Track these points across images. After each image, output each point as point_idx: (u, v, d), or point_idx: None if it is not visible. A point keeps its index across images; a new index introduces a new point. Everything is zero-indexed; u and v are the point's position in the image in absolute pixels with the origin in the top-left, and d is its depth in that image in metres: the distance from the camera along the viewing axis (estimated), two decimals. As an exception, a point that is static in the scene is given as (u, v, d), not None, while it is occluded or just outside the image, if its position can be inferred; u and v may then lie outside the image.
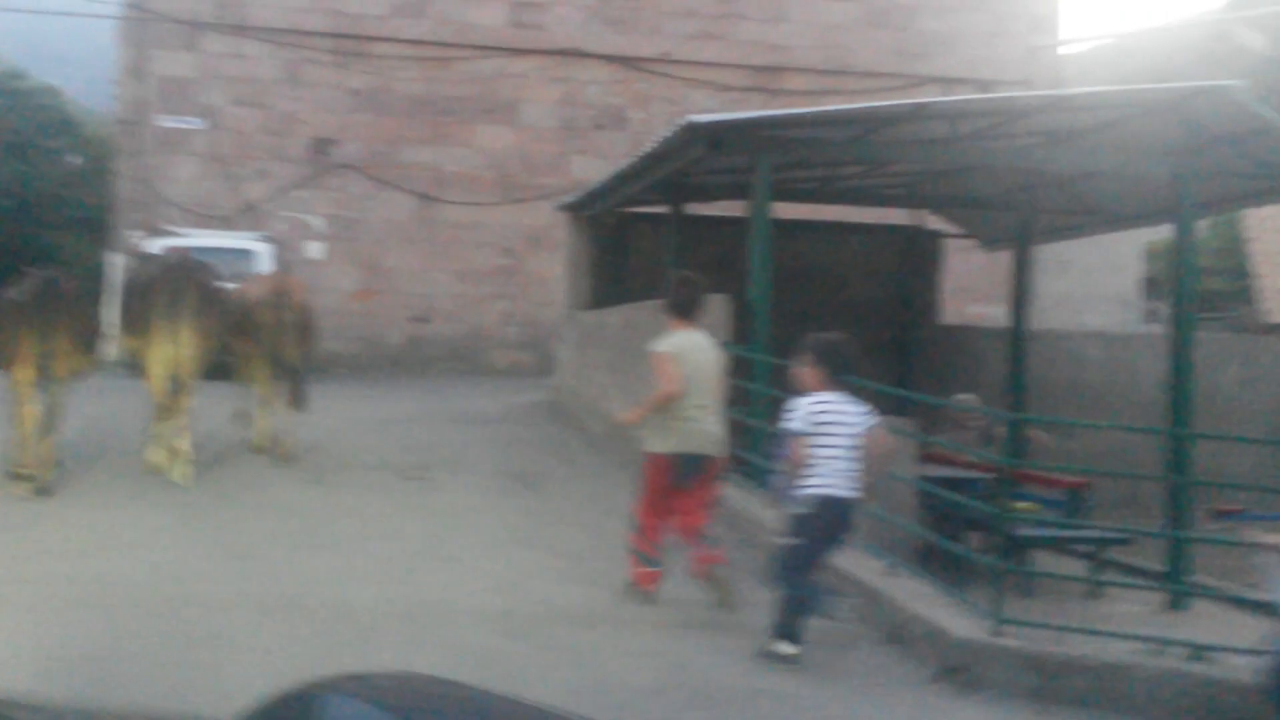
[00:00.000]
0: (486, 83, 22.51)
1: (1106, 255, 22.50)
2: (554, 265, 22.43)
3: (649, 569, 7.09)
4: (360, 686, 2.51)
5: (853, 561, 7.53)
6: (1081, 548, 10.62)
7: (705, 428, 7.06)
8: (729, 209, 14.55)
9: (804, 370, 6.46)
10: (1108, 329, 19.90)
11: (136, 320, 10.11)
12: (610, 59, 22.85)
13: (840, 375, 6.44)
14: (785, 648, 6.20)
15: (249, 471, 10.28)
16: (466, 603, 6.99)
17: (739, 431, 10.04)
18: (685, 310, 7.26)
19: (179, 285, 10.09)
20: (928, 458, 11.69)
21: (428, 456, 11.16)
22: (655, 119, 22.83)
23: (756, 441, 9.89)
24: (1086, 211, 12.91)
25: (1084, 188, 12.54)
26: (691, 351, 7.10)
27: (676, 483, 7.03)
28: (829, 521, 6.28)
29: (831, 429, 6.26)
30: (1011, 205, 13.07)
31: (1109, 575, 10.52)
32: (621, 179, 12.48)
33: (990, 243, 15.20)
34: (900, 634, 6.58)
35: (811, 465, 6.24)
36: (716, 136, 10.08)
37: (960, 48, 23.09)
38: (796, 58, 23.11)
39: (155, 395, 9.99)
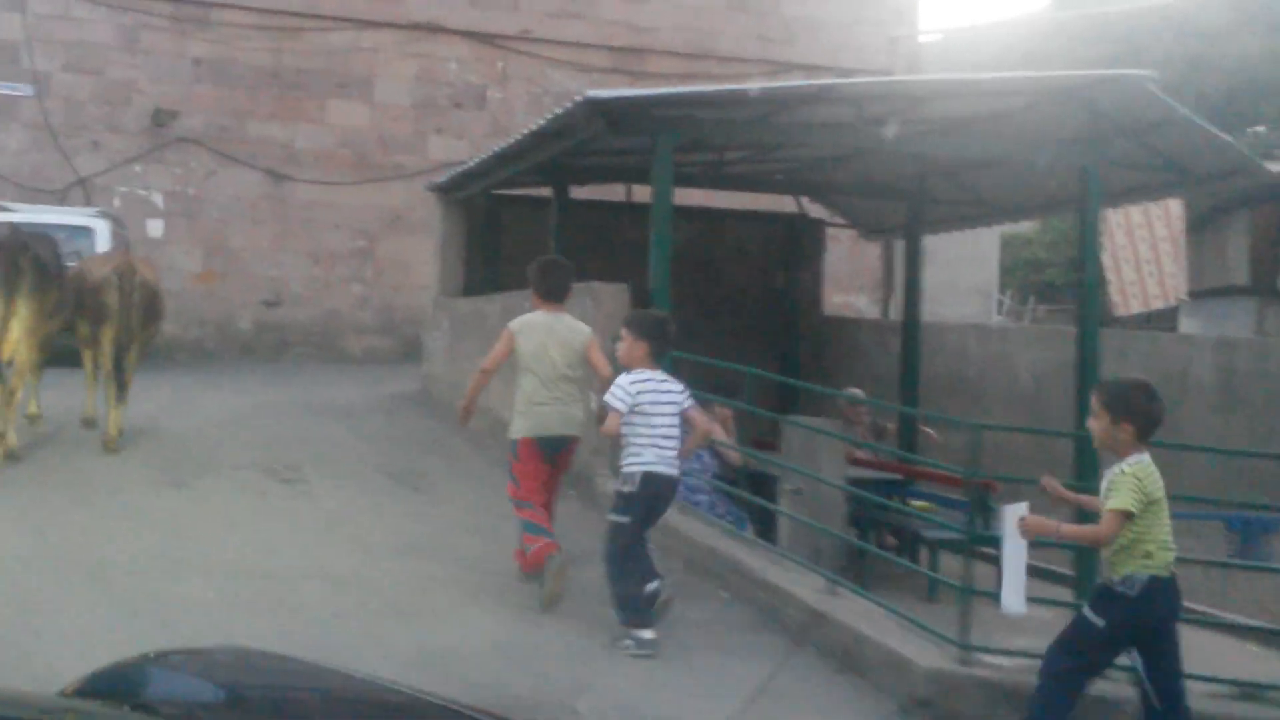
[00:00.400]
0: (339, 56, 21.32)
1: (967, 247, 22.38)
2: (411, 248, 21.46)
3: (544, 539, 6.65)
4: (188, 660, 2.54)
5: (785, 577, 6.90)
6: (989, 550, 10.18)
7: (560, 410, 6.93)
8: (607, 193, 13.86)
9: (627, 346, 6.39)
10: (980, 321, 19.76)
11: None
12: (469, 35, 21.86)
13: (662, 352, 6.45)
14: (641, 634, 6.07)
15: (99, 470, 9.20)
16: (369, 634, 6.10)
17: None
18: (551, 293, 7.13)
19: (13, 260, 9.22)
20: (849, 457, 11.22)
21: (298, 454, 10.18)
22: (515, 98, 22.01)
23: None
24: (979, 202, 12.51)
25: (977, 177, 12.13)
26: (542, 332, 6.95)
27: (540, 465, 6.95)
28: (649, 498, 6.24)
29: (652, 407, 6.22)
30: (903, 194, 12.61)
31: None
32: (503, 159, 11.64)
33: (872, 232, 14.77)
34: (854, 662, 5.93)
35: (633, 442, 6.22)
36: (616, 114, 9.33)
37: (823, 35, 22.69)
38: (660, 40, 22.44)
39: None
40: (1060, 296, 32.12)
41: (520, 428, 6.93)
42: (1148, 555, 4.74)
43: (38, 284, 9.35)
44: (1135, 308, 24.91)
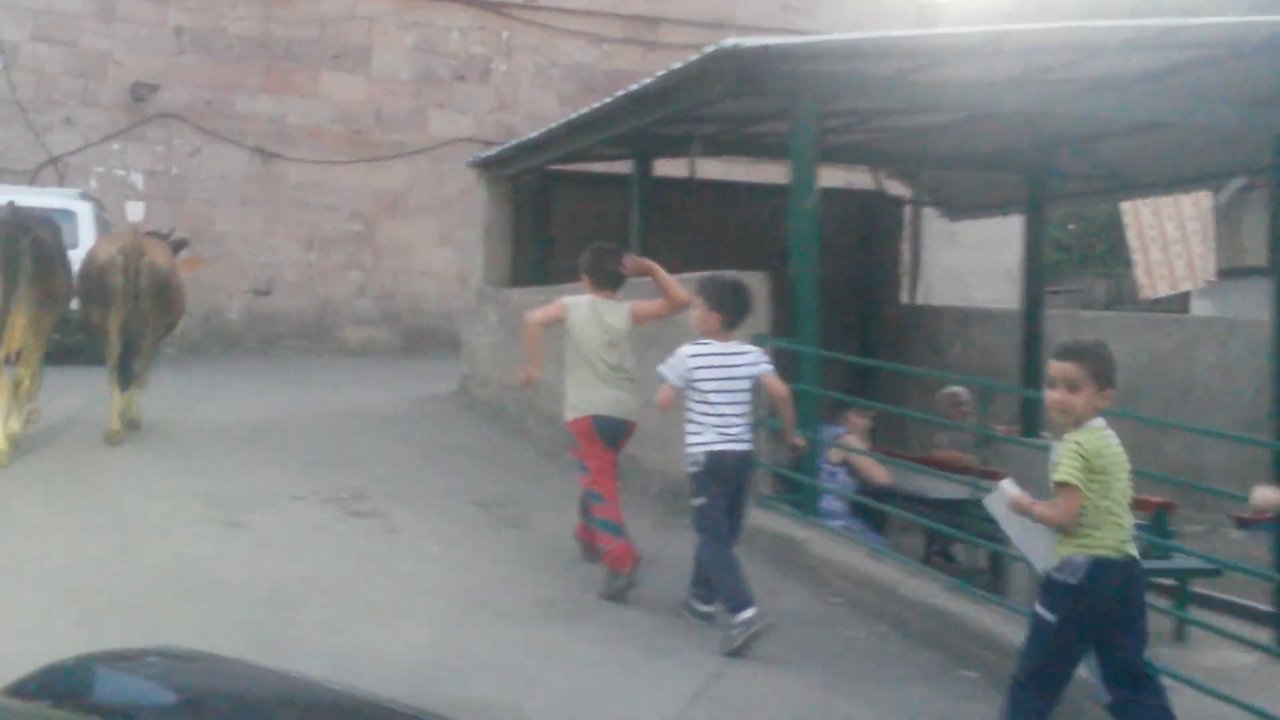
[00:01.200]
0: (333, 25, 19.32)
1: (993, 229, 20.82)
2: (413, 232, 19.57)
3: (622, 541, 6.26)
4: (131, 661, 2.50)
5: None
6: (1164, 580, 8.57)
7: (612, 394, 6.52)
8: (664, 169, 12.12)
9: (700, 315, 5.95)
10: (1061, 308, 18.17)
11: None
12: (472, 3, 19.93)
13: (737, 322, 5.99)
14: (700, 606, 5.90)
15: (137, 504, 7.35)
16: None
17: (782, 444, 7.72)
18: (605, 281, 6.68)
19: (13, 242, 8.44)
20: (927, 459, 9.58)
21: (358, 477, 8.35)
22: (522, 71, 20.14)
23: (808, 458, 7.56)
24: (1110, 175, 10.85)
25: (1110, 147, 10.49)
26: (588, 310, 6.56)
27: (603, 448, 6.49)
28: (719, 478, 5.77)
29: (710, 382, 5.78)
30: (1024, 165, 10.93)
31: (1200, 614, 8.50)
32: (577, 128, 9.83)
33: (957, 211, 13.08)
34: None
35: (693, 420, 5.82)
36: (753, 68, 7.57)
37: (846, 2, 21.00)
38: (675, 8, 20.63)
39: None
40: (1057, 280, 30.67)
41: (574, 410, 6.54)
42: (1087, 535, 4.20)
43: (40, 268, 8.59)
44: (1163, 290, 23.54)
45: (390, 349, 18.92)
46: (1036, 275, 11.52)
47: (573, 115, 9.75)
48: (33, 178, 17.64)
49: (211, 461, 8.70)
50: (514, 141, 11.23)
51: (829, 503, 8.23)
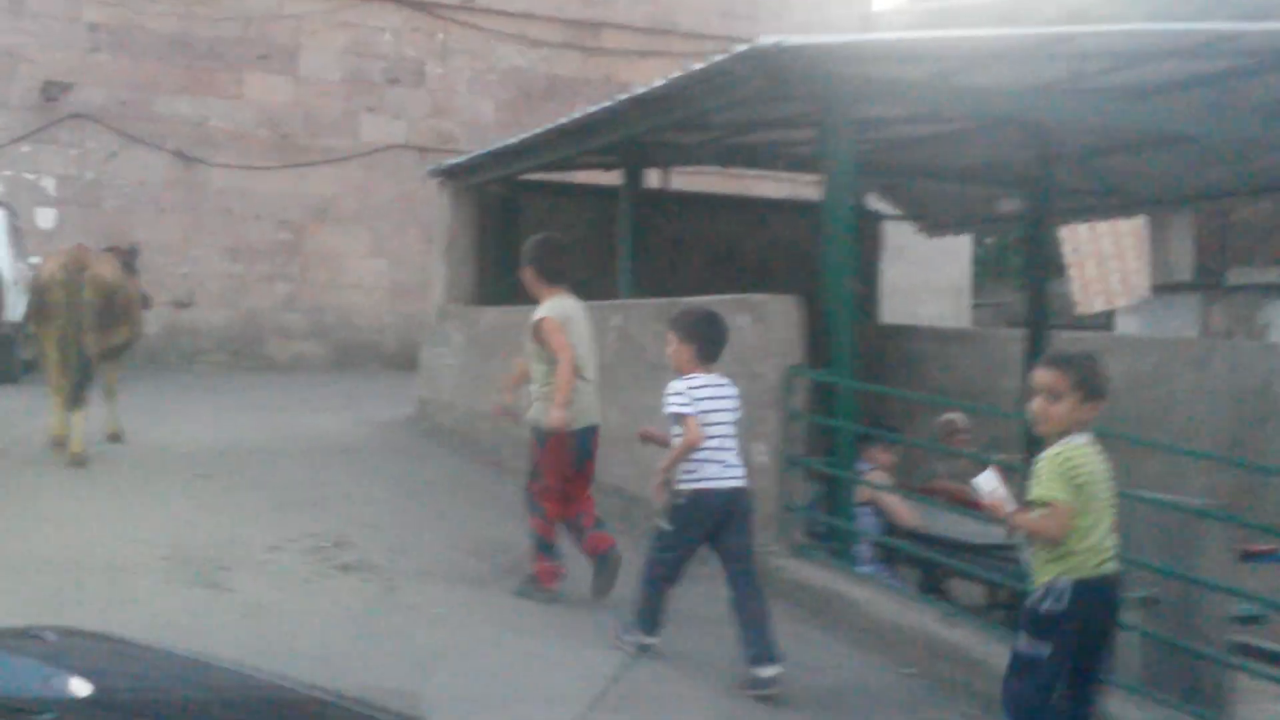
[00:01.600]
0: (258, 23, 18.19)
1: (938, 243, 20.34)
2: (343, 241, 18.50)
3: (553, 563, 6.28)
4: (21, 640, 2.37)
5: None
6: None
7: (594, 398, 6.39)
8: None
9: (674, 348, 5.59)
10: (955, 325, 17.65)
11: None
12: (405, 3, 18.91)
13: (713, 354, 5.58)
14: (640, 637, 5.49)
15: (83, 549, 6.31)
16: None
17: (816, 483, 7.03)
18: (559, 276, 6.45)
19: None
20: (926, 490, 8.90)
21: (335, 521, 7.37)
22: (458, 75, 19.16)
23: (842, 500, 6.84)
24: (1108, 191, 10.26)
25: (1116, 163, 9.90)
26: (574, 320, 6.36)
27: (577, 461, 6.31)
28: (712, 512, 5.39)
29: (712, 415, 5.42)
30: (1024, 181, 10.29)
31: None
32: (567, 133, 8.95)
33: (940, 227, 12.43)
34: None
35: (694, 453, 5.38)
36: (782, 70, 6.78)
37: (790, 11, 20.35)
38: (617, 12, 19.80)
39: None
40: (976, 294, 30.39)
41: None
42: (1069, 555, 4.00)
43: None
44: (1098, 306, 23.27)
45: (320, 364, 17.83)
46: (1039, 293, 10.87)
47: (563, 120, 8.84)
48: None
49: (167, 501, 7.68)
50: (487, 149, 10.28)
51: (857, 547, 7.48)
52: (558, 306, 6.32)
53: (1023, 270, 28.20)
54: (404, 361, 17.71)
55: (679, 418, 5.37)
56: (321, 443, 10.00)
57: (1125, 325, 24.28)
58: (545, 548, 6.28)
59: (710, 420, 5.40)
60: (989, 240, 29.59)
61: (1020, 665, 4.14)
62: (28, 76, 17.06)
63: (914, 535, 7.66)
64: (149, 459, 8.99)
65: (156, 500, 7.69)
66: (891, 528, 7.79)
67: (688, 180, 13.28)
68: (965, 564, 7.14)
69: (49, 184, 17.20)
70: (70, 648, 2.37)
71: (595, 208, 10.66)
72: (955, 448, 9.43)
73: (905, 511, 7.77)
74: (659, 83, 7.59)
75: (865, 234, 12.21)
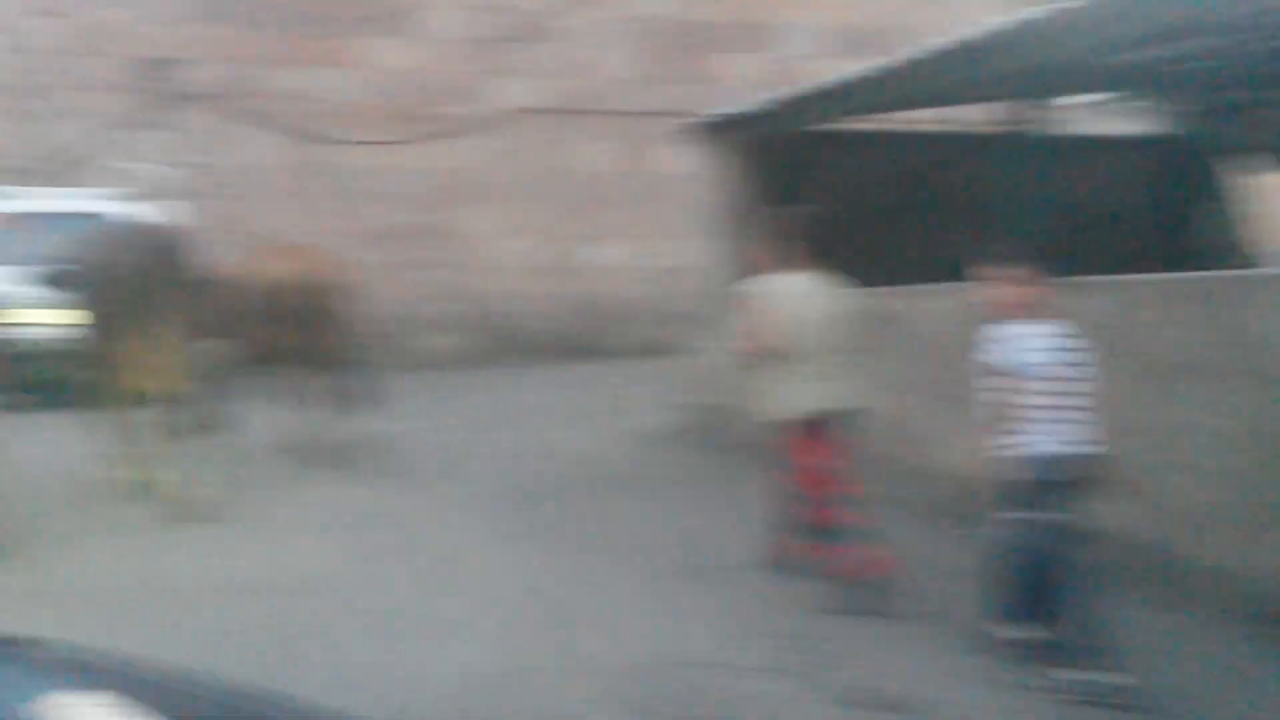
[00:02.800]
0: (377, -14, 15.97)
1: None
2: (481, 220, 16.38)
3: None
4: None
5: None
6: None
7: (824, 385, 5.52)
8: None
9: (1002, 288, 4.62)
10: None
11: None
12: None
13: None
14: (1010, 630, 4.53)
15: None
16: None
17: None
18: (786, 252, 5.64)
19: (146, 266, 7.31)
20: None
21: (699, 600, 5.31)
22: (589, 29, 16.91)
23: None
24: None
25: None
26: (789, 298, 5.56)
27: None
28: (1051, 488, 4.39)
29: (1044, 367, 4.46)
30: None
31: None
32: (947, 58, 6.75)
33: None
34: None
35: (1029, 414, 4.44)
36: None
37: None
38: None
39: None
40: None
41: (778, 409, 5.67)
42: None
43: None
44: None
45: (475, 358, 15.72)
46: None
47: (941, 44, 6.63)
48: (31, 176, 14.08)
49: (466, 570, 5.62)
50: (783, 95, 8.09)
51: None
52: (768, 284, 5.70)
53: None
54: (567, 353, 15.66)
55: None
56: (587, 467, 7.97)
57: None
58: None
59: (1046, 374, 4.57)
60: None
61: None
62: (124, 54, 14.87)
63: None
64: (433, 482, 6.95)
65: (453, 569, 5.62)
66: None
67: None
68: None
69: (173, 172, 15.00)
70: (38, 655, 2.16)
71: (897, 156, 8.54)
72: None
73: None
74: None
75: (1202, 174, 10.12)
